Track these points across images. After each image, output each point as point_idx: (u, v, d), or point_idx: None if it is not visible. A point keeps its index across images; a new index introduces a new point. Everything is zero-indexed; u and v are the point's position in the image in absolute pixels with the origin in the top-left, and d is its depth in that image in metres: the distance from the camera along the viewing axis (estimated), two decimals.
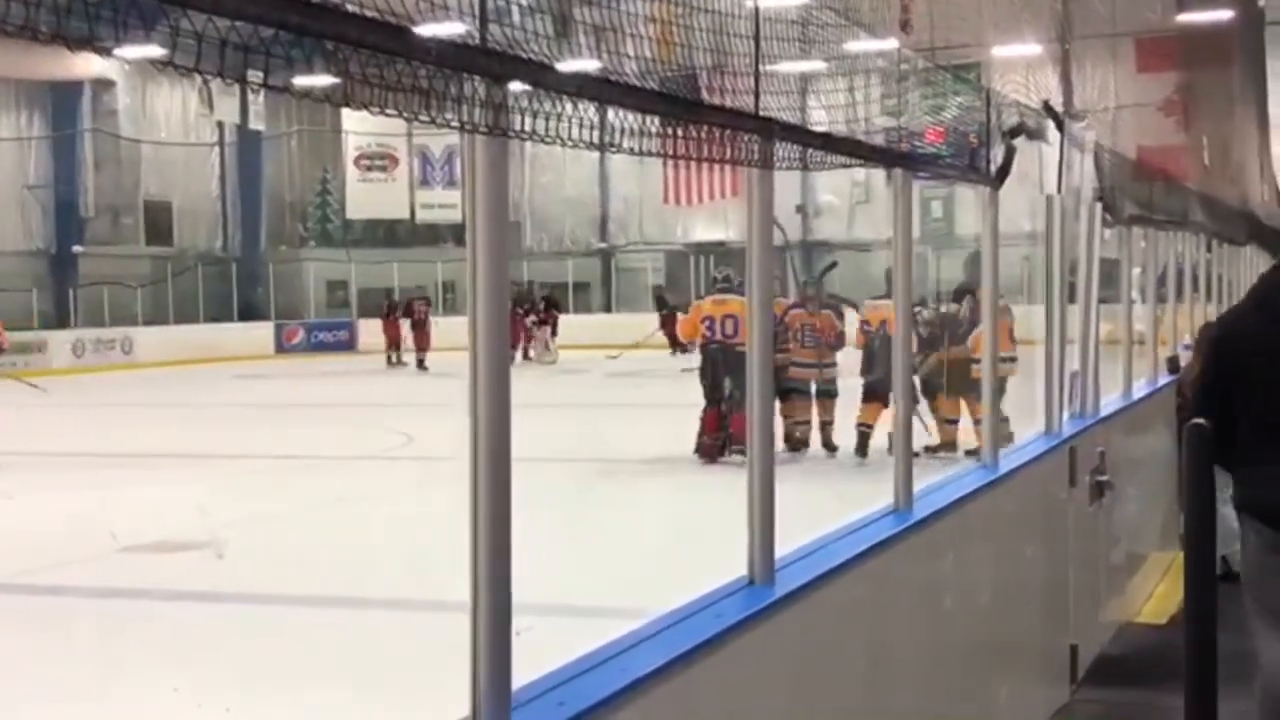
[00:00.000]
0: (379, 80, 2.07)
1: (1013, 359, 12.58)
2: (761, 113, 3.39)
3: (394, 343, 33.94)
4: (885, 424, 14.08)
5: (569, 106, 2.58)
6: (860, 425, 14.34)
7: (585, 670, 2.84)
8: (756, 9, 3.45)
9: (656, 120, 2.90)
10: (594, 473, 14.80)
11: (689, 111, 3.06)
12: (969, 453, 12.14)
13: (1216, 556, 4.34)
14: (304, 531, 11.71)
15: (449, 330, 31.38)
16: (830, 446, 14.85)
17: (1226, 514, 8.89)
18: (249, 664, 7.53)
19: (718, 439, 14.47)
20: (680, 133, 3.01)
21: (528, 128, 2.47)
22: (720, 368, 14.50)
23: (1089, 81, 8.21)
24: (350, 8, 2.06)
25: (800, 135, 3.61)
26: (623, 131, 2.75)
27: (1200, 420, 4.26)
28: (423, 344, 32.33)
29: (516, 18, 2.44)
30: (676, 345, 35.18)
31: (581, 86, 2.61)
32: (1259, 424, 4.96)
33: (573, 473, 14.52)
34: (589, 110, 2.64)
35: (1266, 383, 4.93)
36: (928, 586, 4.88)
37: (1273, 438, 4.95)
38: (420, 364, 32.06)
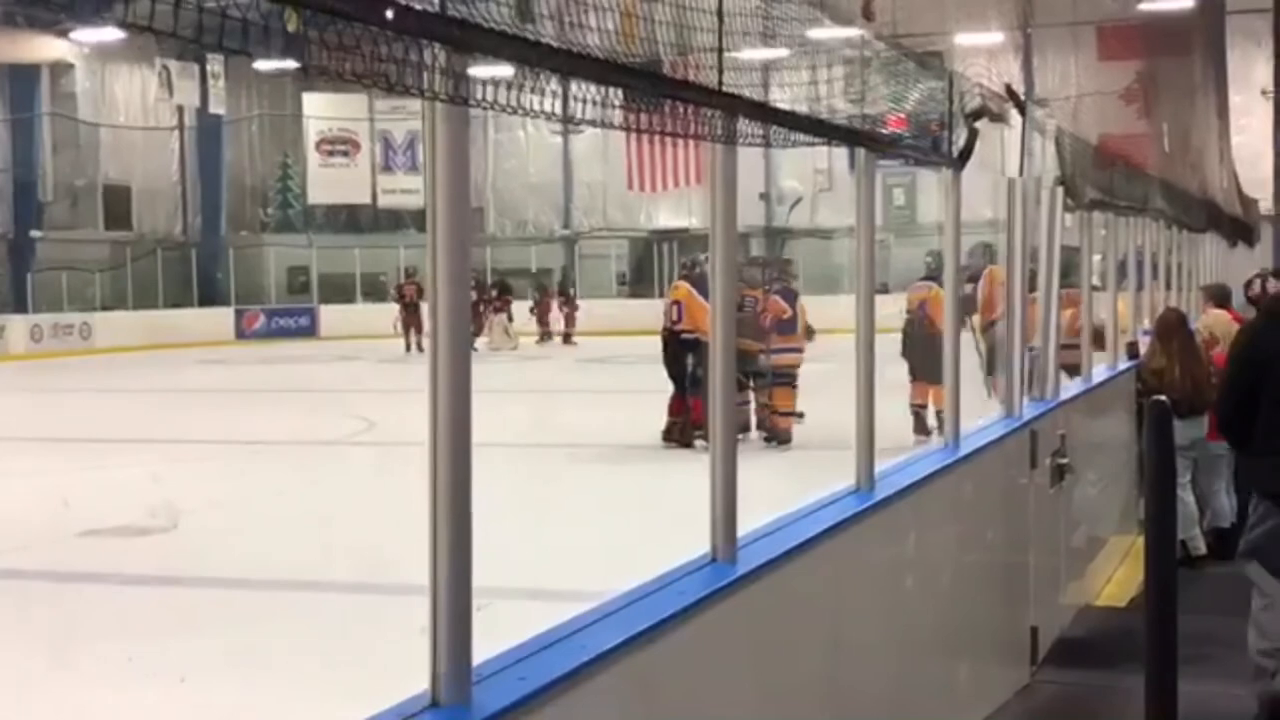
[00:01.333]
0: (338, 45, 2.04)
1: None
2: (725, 89, 3.38)
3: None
4: (938, 403, 14.11)
5: (530, 78, 2.55)
6: (912, 405, 14.27)
7: (546, 646, 2.83)
8: None
9: (619, 94, 2.88)
10: (557, 458, 14.77)
11: (653, 85, 3.04)
12: None
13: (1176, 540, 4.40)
14: (263, 516, 11.63)
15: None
16: (773, 437, 14.58)
17: (1186, 499, 9.02)
18: (207, 644, 7.50)
19: (678, 422, 14.48)
20: (644, 107, 2.99)
21: (488, 98, 2.45)
22: (679, 354, 14.50)
23: (1051, 69, 8.26)
24: None
25: (763, 112, 3.60)
26: (586, 102, 2.73)
27: (1162, 397, 4.31)
28: (416, 327, 31.60)
29: None
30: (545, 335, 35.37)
31: (544, 57, 2.58)
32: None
33: (536, 458, 14.49)
34: (551, 82, 2.62)
35: None
36: (889, 566, 4.89)
37: None
38: (419, 347, 31.15)
